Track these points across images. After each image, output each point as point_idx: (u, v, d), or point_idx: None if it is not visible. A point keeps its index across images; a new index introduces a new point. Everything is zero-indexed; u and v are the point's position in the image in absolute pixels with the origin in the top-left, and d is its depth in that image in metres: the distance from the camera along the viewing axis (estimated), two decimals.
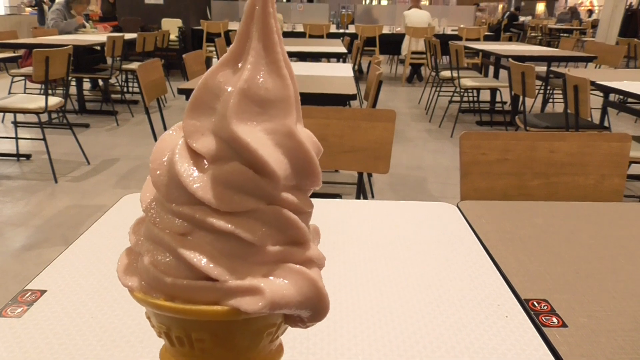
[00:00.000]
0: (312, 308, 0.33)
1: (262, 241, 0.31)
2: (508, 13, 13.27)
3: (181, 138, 0.33)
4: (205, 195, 0.31)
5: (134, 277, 0.33)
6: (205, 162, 0.32)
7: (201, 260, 0.31)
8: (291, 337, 0.57)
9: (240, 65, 0.32)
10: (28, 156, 3.79)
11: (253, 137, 0.31)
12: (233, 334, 0.33)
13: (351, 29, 8.48)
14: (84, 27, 6.02)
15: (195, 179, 0.31)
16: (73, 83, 5.13)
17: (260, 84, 0.32)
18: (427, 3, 17.32)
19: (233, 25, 8.11)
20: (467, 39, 7.49)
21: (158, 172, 0.32)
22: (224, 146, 0.31)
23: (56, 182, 3.31)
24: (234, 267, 0.31)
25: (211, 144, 0.32)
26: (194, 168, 0.32)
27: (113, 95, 5.56)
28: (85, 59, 5.21)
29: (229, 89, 0.32)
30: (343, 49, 4.92)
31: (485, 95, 5.71)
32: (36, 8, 10.29)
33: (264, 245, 0.32)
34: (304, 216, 0.34)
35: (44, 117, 4.43)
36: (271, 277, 0.32)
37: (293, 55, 4.87)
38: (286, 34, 7.36)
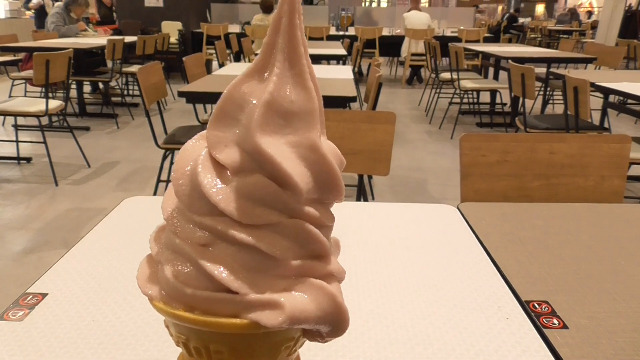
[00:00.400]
0: (331, 323, 0.33)
1: (283, 255, 0.31)
2: (507, 14, 13.29)
3: (204, 148, 0.33)
4: (227, 207, 0.31)
5: (154, 286, 0.34)
6: (228, 174, 0.32)
7: (222, 273, 0.31)
8: None
9: (265, 76, 0.32)
10: (29, 159, 3.79)
11: (277, 150, 0.31)
12: (252, 347, 0.33)
13: (351, 31, 8.49)
14: (86, 30, 6.03)
15: (218, 190, 0.31)
16: (73, 86, 5.14)
17: (285, 96, 0.31)
18: (427, 5, 17.35)
19: (233, 28, 8.12)
20: (466, 41, 7.50)
21: (180, 182, 0.32)
22: (247, 158, 0.31)
23: (57, 185, 3.31)
24: (255, 280, 0.31)
25: (235, 156, 0.32)
26: (217, 179, 0.32)
27: (113, 98, 5.57)
28: (86, 62, 5.22)
29: (254, 101, 0.32)
30: (343, 51, 4.93)
31: (485, 97, 5.71)
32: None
33: (285, 259, 0.32)
34: (325, 230, 0.34)
35: (45, 120, 4.43)
36: (291, 292, 0.32)
37: None
38: None
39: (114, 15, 8.56)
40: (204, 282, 0.31)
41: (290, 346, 0.34)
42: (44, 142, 3.39)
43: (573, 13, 16.01)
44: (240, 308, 0.31)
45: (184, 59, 3.01)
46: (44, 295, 0.65)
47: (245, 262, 0.31)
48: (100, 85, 6.00)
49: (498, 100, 5.54)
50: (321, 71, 3.31)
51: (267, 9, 6.80)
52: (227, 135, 0.32)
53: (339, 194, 0.33)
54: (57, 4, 6.02)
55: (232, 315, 0.31)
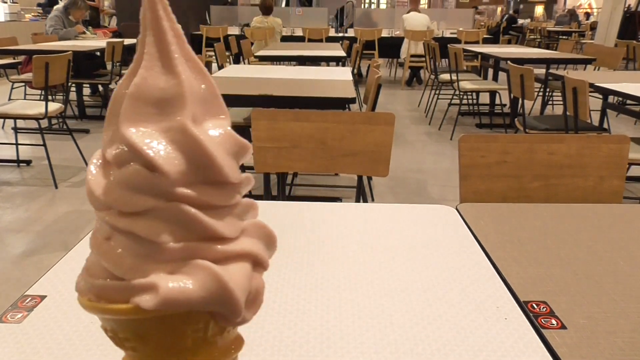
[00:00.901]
0: (219, 304, 0.32)
1: (163, 239, 0.32)
2: (507, 16, 13.31)
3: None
4: (107, 198, 0.32)
5: (82, 280, 0.35)
6: (113, 169, 0.33)
7: (110, 261, 0.32)
8: (291, 341, 0.57)
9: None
10: (28, 162, 3.79)
11: (140, 137, 0.32)
12: (150, 332, 0.34)
13: (350, 33, 8.51)
14: (84, 33, 6.03)
15: (99, 184, 0.33)
16: (73, 89, 5.15)
17: (151, 85, 0.33)
18: (426, 6, 17.37)
19: (232, 30, 8.13)
20: (466, 42, 7.51)
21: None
22: (124, 151, 0.32)
23: (56, 187, 3.31)
24: (139, 266, 0.32)
25: (115, 150, 0.33)
26: (101, 175, 0.33)
27: None
28: (85, 65, 5.22)
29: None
30: (342, 53, 4.94)
31: (485, 98, 5.71)
32: (39, 14, 10.32)
33: (165, 242, 0.32)
34: (215, 211, 0.33)
35: (44, 123, 4.43)
36: (174, 274, 0.32)
37: (292, 59, 4.89)
38: (285, 38, 7.37)
39: (100, 17, 8.57)
40: (102, 272, 0.33)
41: (198, 330, 0.34)
42: (44, 145, 3.39)
43: (572, 14, 16.02)
44: (126, 294, 0.32)
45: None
46: (43, 297, 0.65)
47: (131, 249, 0.32)
48: (100, 88, 6.00)
49: (497, 101, 5.55)
50: (320, 73, 3.32)
51: (266, 10, 6.81)
52: (113, 133, 0.34)
53: (219, 173, 0.33)
54: (56, 7, 6.02)
55: (124, 301, 0.32)
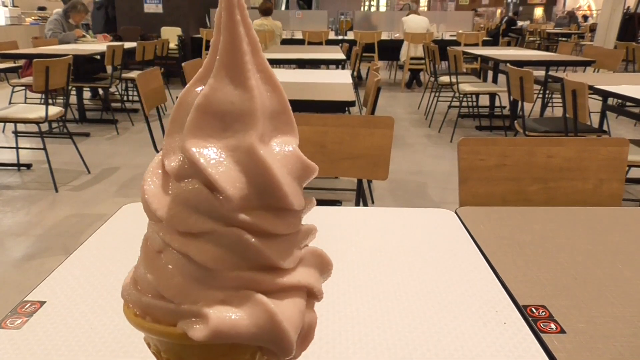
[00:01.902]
0: (269, 342, 0.30)
1: (217, 265, 0.30)
2: (506, 18, 13.32)
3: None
4: (163, 214, 0.30)
5: (129, 290, 0.34)
6: (172, 182, 0.31)
7: (159, 279, 0.31)
8: None
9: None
10: (29, 166, 3.80)
11: (204, 154, 0.30)
12: (193, 357, 0.32)
13: (350, 36, 8.52)
14: (84, 36, 6.04)
15: (156, 195, 0.31)
16: (73, 92, 5.15)
17: (221, 98, 0.30)
18: (426, 9, 17.39)
19: None
20: (465, 44, 7.51)
21: (142, 191, 0.33)
22: (186, 165, 0.30)
23: (57, 191, 3.31)
24: (188, 290, 0.30)
25: (176, 162, 0.31)
26: (159, 185, 0.31)
27: (113, 104, 5.58)
28: (85, 68, 5.23)
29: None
30: (342, 56, 4.94)
31: (484, 100, 5.72)
32: (39, 18, 10.33)
33: (219, 269, 0.30)
34: (275, 239, 0.31)
35: (45, 127, 4.44)
36: (226, 305, 0.30)
37: (292, 62, 4.89)
38: (285, 41, 7.38)
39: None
40: (150, 288, 0.31)
41: None
42: (44, 149, 3.39)
43: (572, 16, 16.04)
44: (174, 317, 0.30)
45: (183, 64, 3.01)
46: (42, 303, 0.65)
47: (184, 270, 0.30)
48: (100, 91, 6.01)
49: (497, 103, 5.55)
50: (320, 76, 3.32)
51: (266, 12, 6.82)
52: (176, 142, 0.32)
53: (282, 200, 0.30)
54: (55, 10, 6.03)
55: (173, 323, 0.30)
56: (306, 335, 0.33)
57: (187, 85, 0.32)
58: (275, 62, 4.77)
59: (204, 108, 0.30)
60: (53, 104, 3.90)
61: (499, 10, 18.76)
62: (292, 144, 0.32)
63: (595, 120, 3.68)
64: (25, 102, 5.01)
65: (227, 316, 0.29)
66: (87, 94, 6.01)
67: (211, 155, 0.30)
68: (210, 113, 0.30)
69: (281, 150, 0.31)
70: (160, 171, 0.32)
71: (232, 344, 0.30)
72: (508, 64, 3.49)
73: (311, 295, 0.33)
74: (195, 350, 0.31)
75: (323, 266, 0.34)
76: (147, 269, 0.32)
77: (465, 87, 4.83)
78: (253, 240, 0.30)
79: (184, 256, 0.30)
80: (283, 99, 0.32)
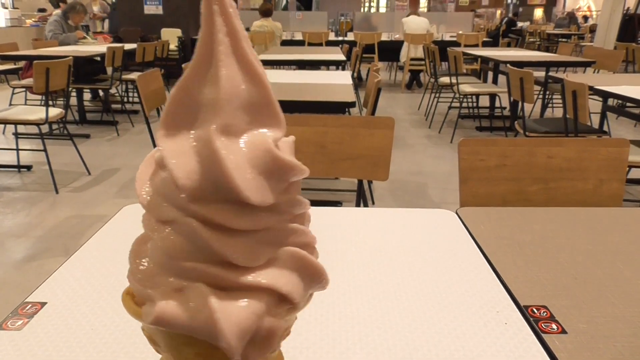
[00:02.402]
0: (209, 339, 0.30)
1: (177, 253, 0.30)
2: (506, 19, 13.33)
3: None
4: (142, 201, 0.33)
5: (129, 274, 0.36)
6: (156, 170, 0.33)
7: (132, 262, 0.34)
8: (291, 346, 0.57)
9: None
10: (29, 167, 3.80)
11: (169, 145, 0.31)
12: (162, 341, 0.34)
13: (350, 37, 8.52)
14: (84, 38, 6.04)
15: (143, 184, 0.34)
16: (73, 94, 5.15)
17: (192, 88, 0.31)
18: (426, 10, 17.39)
19: None
20: (465, 45, 7.52)
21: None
22: (161, 155, 0.32)
23: (57, 192, 3.31)
24: (152, 275, 0.32)
25: (157, 152, 0.32)
26: (147, 175, 0.34)
27: (113, 106, 5.58)
28: (86, 70, 5.23)
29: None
30: (342, 57, 4.94)
31: (485, 101, 5.72)
32: (39, 19, 10.34)
33: (178, 258, 0.30)
34: (234, 235, 0.30)
35: (45, 128, 4.44)
36: (179, 294, 0.31)
37: (292, 63, 4.90)
38: (285, 42, 7.38)
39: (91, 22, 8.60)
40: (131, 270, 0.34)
41: (202, 356, 0.32)
42: (44, 150, 3.39)
43: (571, 17, 16.04)
44: (141, 299, 0.33)
45: (183, 65, 3.02)
46: (43, 304, 0.65)
47: (153, 255, 0.32)
48: (100, 93, 6.01)
49: (497, 104, 5.55)
50: (320, 77, 3.32)
51: (266, 13, 6.82)
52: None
53: (233, 193, 0.29)
54: (55, 11, 6.03)
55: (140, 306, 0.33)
56: (264, 340, 0.31)
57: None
58: (275, 63, 4.77)
59: (177, 98, 0.31)
60: (53, 106, 3.90)
61: (498, 11, 18.76)
62: (271, 137, 0.31)
63: (595, 120, 3.68)
64: (25, 104, 5.01)
65: (172, 305, 0.30)
66: (87, 96, 6.02)
67: (175, 146, 0.30)
68: (182, 104, 0.31)
69: (250, 143, 0.30)
70: (150, 161, 0.34)
71: (185, 335, 0.31)
72: (508, 65, 3.50)
73: (283, 300, 0.31)
74: (163, 334, 0.33)
75: (306, 270, 0.33)
76: (130, 253, 0.34)
77: (466, 88, 4.83)
78: (205, 233, 0.29)
79: (153, 241, 0.32)
80: (265, 90, 0.31)
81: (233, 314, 0.29)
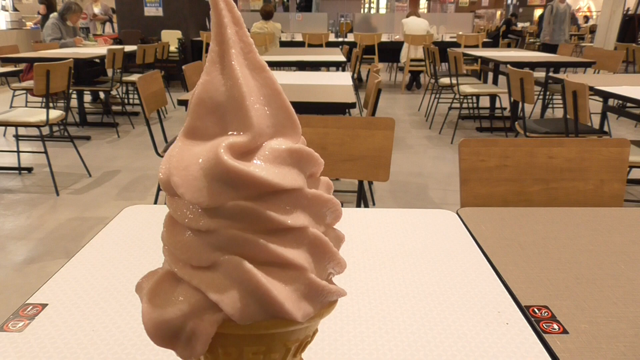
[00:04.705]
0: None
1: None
2: (504, 19, 13.34)
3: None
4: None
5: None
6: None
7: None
8: None
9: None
10: (30, 169, 3.80)
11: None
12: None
13: (350, 38, 8.53)
14: (83, 44, 6.04)
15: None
16: (74, 96, 5.16)
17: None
18: (426, 11, 17.40)
19: None
20: (465, 46, 7.52)
21: None
22: None
23: (58, 194, 3.32)
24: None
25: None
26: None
27: (114, 107, 5.59)
28: (86, 72, 5.24)
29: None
30: (342, 58, 4.94)
31: (485, 102, 5.72)
32: (38, 22, 10.36)
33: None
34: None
35: (46, 130, 4.45)
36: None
37: (292, 64, 4.90)
38: (285, 44, 7.39)
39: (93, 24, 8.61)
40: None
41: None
42: (45, 152, 3.39)
43: (572, 17, 16.02)
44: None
45: (183, 67, 3.02)
46: (44, 305, 0.65)
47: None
48: (101, 95, 6.02)
49: (497, 104, 5.55)
50: (320, 78, 3.32)
51: (266, 15, 6.83)
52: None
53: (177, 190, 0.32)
54: (52, 14, 6.03)
55: None
56: (188, 340, 0.33)
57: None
58: (275, 65, 4.77)
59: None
60: (54, 108, 3.90)
61: (498, 12, 18.77)
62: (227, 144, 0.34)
63: (595, 121, 3.68)
64: (26, 106, 5.01)
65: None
66: (87, 98, 6.02)
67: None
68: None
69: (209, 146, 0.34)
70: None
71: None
72: (508, 66, 3.50)
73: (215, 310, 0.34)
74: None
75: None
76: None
77: (466, 89, 4.83)
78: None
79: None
80: (273, 87, 0.35)
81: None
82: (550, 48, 7.17)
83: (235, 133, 0.33)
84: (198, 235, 0.32)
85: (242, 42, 0.34)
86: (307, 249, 0.34)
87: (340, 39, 8.56)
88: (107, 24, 9.31)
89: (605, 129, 3.48)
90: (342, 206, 0.38)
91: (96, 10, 8.90)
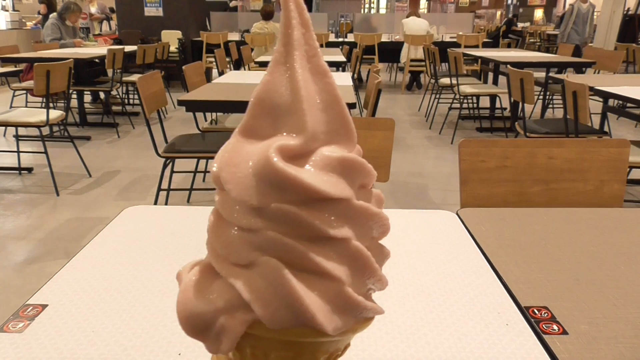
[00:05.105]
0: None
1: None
2: (506, 19, 13.34)
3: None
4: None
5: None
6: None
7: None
8: None
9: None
10: (30, 169, 3.80)
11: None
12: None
13: (350, 38, 8.53)
14: (82, 44, 6.05)
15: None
16: (74, 96, 5.16)
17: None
18: (426, 11, 17.41)
19: (232, 36, 8.15)
20: (465, 46, 7.52)
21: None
22: None
23: (58, 195, 3.32)
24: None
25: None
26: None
27: (114, 108, 5.59)
28: (86, 72, 5.24)
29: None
30: (342, 58, 4.95)
31: (485, 102, 5.72)
32: (39, 22, 10.37)
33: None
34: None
35: (46, 131, 4.45)
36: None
37: None
38: None
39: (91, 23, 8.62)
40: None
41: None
42: (45, 152, 3.39)
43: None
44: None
45: (183, 67, 3.02)
46: (44, 306, 0.65)
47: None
48: (101, 95, 6.02)
49: (498, 105, 5.55)
50: None
51: (267, 16, 6.83)
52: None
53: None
54: (51, 15, 6.03)
55: None
56: (217, 334, 0.33)
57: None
58: None
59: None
60: (54, 108, 3.90)
61: (499, 12, 18.78)
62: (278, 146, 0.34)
63: (596, 121, 3.68)
64: (26, 106, 5.02)
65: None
66: (87, 98, 6.03)
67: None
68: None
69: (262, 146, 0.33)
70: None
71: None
72: (508, 66, 3.50)
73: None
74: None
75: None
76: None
77: (466, 89, 4.83)
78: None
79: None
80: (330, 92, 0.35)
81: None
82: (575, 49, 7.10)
83: (288, 136, 0.32)
84: (240, 232, 0.32)
85: (308, 45, 0.34)
86: (348, 261, 0.33)
87: (340, 39, 8.57)
88: (104, 23, 9.31)
89: (605, 129, 3.48)
90: None
91: (93, 9, 8.90)
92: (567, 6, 7.83)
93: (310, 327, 0.31)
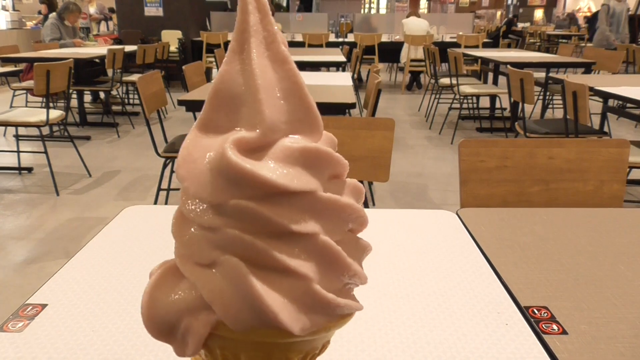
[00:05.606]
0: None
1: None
2: (506, 20, 13.35)
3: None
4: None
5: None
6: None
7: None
8: None
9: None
10: (30, 169, 3.80)
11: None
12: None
13: (350, 38, 8.52)
14: (82, 44, 6.05)
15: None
16: (74, 96, 5.16)
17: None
18: (426, 11, 17.41)
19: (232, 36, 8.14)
20: (465, 46, 7.52)
21: None
22: None
23: (58, 194, 3.32)
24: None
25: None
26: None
27: (114, 107, 5.59)
28: (86, 72, 5.24)
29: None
30: (342, 58, 4.94)
31: (485, 102, 5.72)
32: (39, 22, 10.37)
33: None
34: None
35: (46, 130, 4.44)
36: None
37: None
38: None
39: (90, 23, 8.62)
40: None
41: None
42: (45, 152, 3.39)
43: (572, 18, 16.05)
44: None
45: (183, 67, 3.02)
46: (44, 306, 0.65)
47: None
48: (101, 95, 6.02)
49: (498, 105, 5.55)
50: (320, 78, 3.32)
51: None
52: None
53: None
54: (51, 15, 6.03)
55: None
56: (183, 336, 0.33)
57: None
58: None
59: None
60: (54, 108, 3.90)
61: (499, 12, 18.78)
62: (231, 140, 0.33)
63: (595, 121, 3.68)
64: (26, 106, 5.01)
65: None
66: (87, 98, 6.02)
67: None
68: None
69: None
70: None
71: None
72: (508, 66, 3.50)
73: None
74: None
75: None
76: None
77: (466, 89, 4.83)
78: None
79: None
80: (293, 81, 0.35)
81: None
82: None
83: (246, 128, 0.31)
84: (201, 230, 0.31)
85: (266, 32, 0.32)
86: (315, 257, 0.31)
87: (340, 39, 8.56)
88: (103, 23, 9.31)
89: (605, 129, 3.48)
90: None
91: (92, 10, 8.90)
92: (567, 7, 7.80)
93: (275, 328, 0.30)
